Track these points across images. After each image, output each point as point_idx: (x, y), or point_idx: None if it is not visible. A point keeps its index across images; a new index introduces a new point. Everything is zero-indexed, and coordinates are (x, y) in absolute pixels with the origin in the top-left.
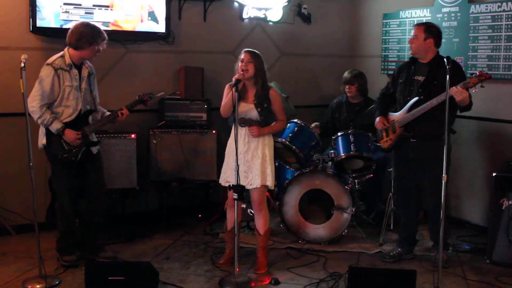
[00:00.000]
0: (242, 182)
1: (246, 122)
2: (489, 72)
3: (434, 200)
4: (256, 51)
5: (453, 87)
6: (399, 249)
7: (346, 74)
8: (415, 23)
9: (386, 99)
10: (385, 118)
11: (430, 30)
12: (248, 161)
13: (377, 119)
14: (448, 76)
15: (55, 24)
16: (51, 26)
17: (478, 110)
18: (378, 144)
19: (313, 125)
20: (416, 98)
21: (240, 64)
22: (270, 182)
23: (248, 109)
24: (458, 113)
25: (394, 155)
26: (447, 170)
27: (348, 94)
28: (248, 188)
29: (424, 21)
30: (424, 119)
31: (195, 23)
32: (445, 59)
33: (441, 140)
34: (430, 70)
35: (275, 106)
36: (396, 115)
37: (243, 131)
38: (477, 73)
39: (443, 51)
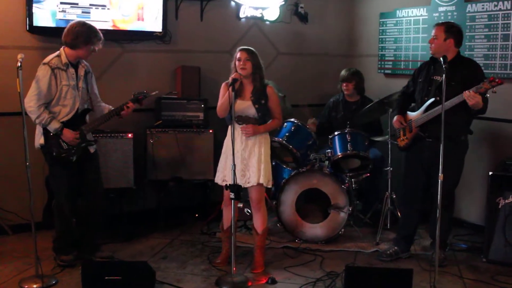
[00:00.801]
0: (239, 181)
1: (243, 119)
2: (485, 71)
3: (442, 199)
4: (252, 48)
5: (466, 91)
6: (396, 248)
7: (343, 72)
8: (412, 21)
9: (406, 98)
10: (403, 117)
11: (451, 30)
12: (245, 159)
13: (395, 118)
14: (444, 75)
15: (51, 24)
16: (48, 26)
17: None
18: (395, 142)
19: (310, 121)
20: (432, 99)
21: (237, 63)
22: (267, 180)
23: (246, 106)
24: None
25: (408, 153)
26: (456, 170)
27: (345, 92)
28: (245, 186)
29: (421, 20)
30: (439, 120)
31: (192, 23)
32: (441, 59)
33: (457, 142)
34: (449, 70)
35: (272, 103)
36: (413, 115)
37: (240, 129)
38: (489, 79)
39: None
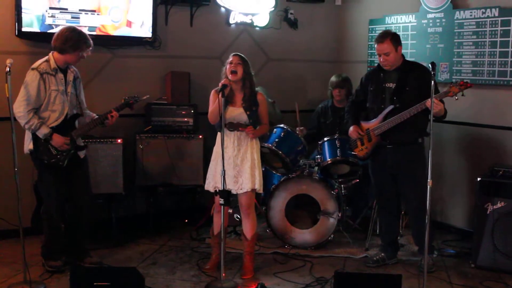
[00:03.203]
0: (231, 187)
1: (235, 126)
2: (473, 77)
3: (415, 203)
4: (245, 56)
5: (428, 100)
6: (382, 254)
7: (334, 78)
8: (401, 28)
9: (356, 107)
10: (359, 127)
11: (396, 38)
12: (237, 165)
13: (351, 128)
14: (432, 82)
15: (40, 29)
16: (37, 31)
17: (462, 115)
18: (353, 153)
19: (298, 129)
20: (391, 106)
21: (228, 66)
22: (259, 185)
23: (237, 113)
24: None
25: (372, 162)
26: (424, 172)
27: (336, 98)
28: (238, 192)
29: (409, 27)
30: (400, 126)
31: (181, 28)
32: (429, 65)
33: (418, 144)
34: (400, 76)
35: (262, 110)
36: (370, 124)
37: (232, 135)
38: (459, 82)
39: (429, 57)
